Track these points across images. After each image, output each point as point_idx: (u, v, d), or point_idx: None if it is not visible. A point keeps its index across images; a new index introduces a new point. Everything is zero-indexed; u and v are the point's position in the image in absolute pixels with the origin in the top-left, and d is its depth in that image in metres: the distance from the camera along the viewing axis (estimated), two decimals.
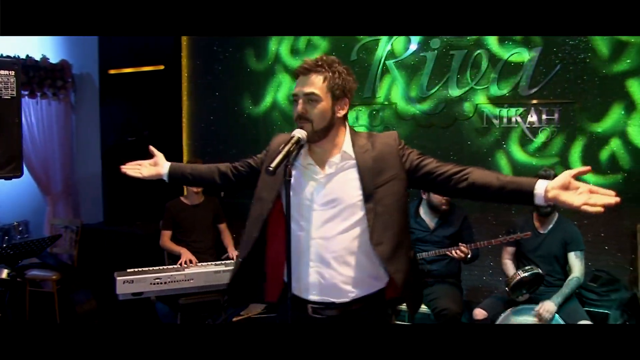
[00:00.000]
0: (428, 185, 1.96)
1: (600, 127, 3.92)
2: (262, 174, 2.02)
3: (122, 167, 2.27)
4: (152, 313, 4.41)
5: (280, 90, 4.90)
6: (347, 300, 1.90)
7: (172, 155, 4.94)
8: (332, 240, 1.88)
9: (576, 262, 3.36)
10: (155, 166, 2.26)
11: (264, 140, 4.76)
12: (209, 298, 3.95)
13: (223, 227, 4.20)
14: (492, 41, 4.16)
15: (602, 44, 3.88)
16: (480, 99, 4.25)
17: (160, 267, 3.62)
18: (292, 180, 1.88)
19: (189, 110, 5.19)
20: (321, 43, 4.71)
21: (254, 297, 2.24)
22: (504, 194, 1.81)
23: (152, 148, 2.32)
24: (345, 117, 1.96)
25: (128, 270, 3.41)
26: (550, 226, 3.46)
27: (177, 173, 2.26)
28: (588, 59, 3.93)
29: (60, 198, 5.51)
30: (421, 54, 4.37)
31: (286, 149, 1.73)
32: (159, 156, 2.29)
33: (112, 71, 5.38)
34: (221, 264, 3.66)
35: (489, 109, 4.22)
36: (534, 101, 4.08)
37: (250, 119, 5.02)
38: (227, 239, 4.17)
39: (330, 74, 1.87)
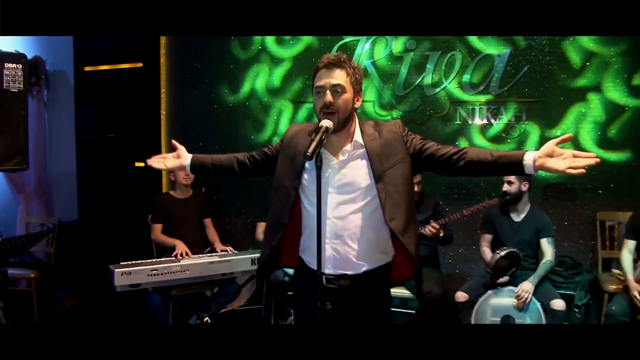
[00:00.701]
0: (431, 166, 2.15)
1: (560, 129, 4.26)
2: (281, 163, 2.18)
3: (148, 160, 2.37)
4: (136, 307, 4.47)
5: (258, 79, 4.99)
6: (358, 272, 2.08)
7: (151, 152, 5.02)
8: (345, 220, 2.05)
9: (548, 248, 3.66)
10: (178, 158, 2.37)
11: (243, 135, 4.90)
12: (200, 289, 4.05)
13: (208, 221, 4.29)
14: (465, 43, 4.43)
15: (570, 49, 4.22)
16: (454, 97, 4.51)
17: (154, 260, 3.69)
18: (309, 166, 2.05)
19: (167, 107, 5.22)
20: (305, 37, 4.85)
21: (269, 272, 2.40)
22: (498, 167, 2.02)
23: (174, 142, 2.44)
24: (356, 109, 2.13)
25: (121, 263, 3.46)
26: (523, 215, 3.75)
27: (199, 164, 2.39)
28: (553, 62, 4.26)
29: (33, 196, 5.44)
30: (398, 55, 4.60)
31: (318, 137, 1.89)
32: (181, 149, 2.41)
33: (87, 68, 5.36)
34: (215, 255, 3.76)
35: (462, 106, 4.49)
36: (504, 99, 4.38)
37: (229, 112, 5.09)
38: (213, 234, 4.26)
39: (351, 69, 2.05)
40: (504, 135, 4.39)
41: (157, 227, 4.05)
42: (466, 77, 4.46)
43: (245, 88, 5.03)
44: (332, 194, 2.05)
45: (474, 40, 4.42)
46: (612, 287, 3.76)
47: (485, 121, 4.44)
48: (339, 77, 2.01)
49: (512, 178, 3.68)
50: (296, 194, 2.11)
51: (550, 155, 1.88)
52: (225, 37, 5.04)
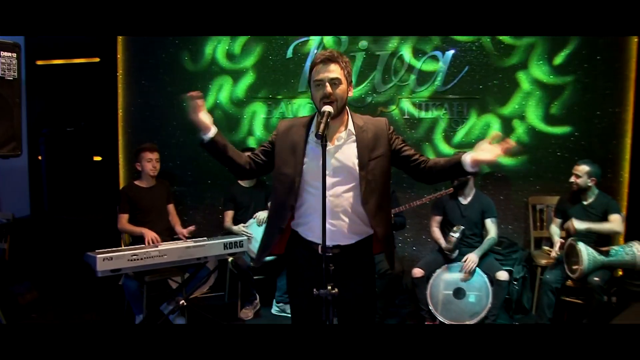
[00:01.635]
0: (403, 166, 2.46)
1: (505, 110, 4.79)
2: (280, 154, 2.41)
3: (192, 93, 2.34)
4: (98, 298, 4.55)
5: (222, 92, 5.15)
6: (349, 243, 2.37)
7: (108, 146, 5.07)
8: (340, 198, 2.33)
9: (491, 226, 4.12)
10: (208, 118, 2.38)
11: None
12: (172, 275, 4.20)
13: (171, 207, 4.42)
14: (412, 44, 4.84)
15: (494, 43, 4.73)
16: (403, 95, 4.91)
17: (130, 247, 3.80)
18: (309, 151, 2.32)
19: (124, 102, 5.27)
20: (256, 48, 5.06)
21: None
22: (446, 171, 2.34)
23: (196, 95, 2.39)
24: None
25: (98, 250, 3.56)
26: (470, 198, 4.19)
27: (221, 140, 2.40)
28: (489, 59, 4.76)
29: None
30: (350, 54, 4.93)
31: (324, 120, 2.15)
32: (208, 115, 2.40)
33: (40, 62, 5.32)
34: (191, 240, 3.92)
35: (409, 104, 4.90)
36: (447, 95, 4.84)
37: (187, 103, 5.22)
38: (175, 219, 4.39)
39: (344, 64, 2.33)
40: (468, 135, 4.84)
41: (124, 217, 4.14)
42: (413, 76, 4.87)
43: (210, 100, 5.14)
44: (328, 175, 2.32)
45: (420, 42, 4.84)
46: (544, 261, 4.28)
47: (440, 121, 4.87)
48: (335, 70, 2.29)
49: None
50: (300, 179, 2.34)
51: (482, 150, 2.22)
52: (178, 47, 5.17)
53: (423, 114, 4.89)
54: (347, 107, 2.40)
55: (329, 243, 2.29)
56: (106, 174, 5.25)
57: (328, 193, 2.29)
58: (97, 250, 3.54)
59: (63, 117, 5.14)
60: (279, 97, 5.07)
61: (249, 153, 2.52)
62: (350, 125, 2.38)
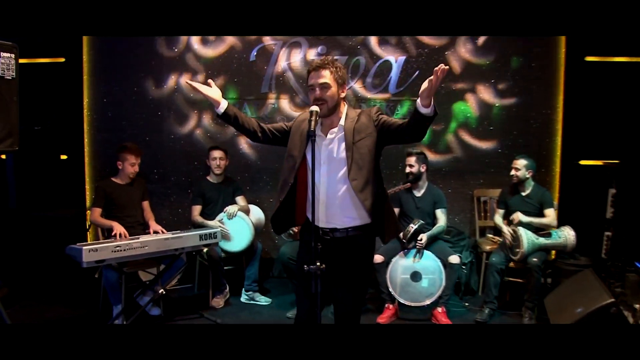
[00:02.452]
0: (389, 134, 2.67)
1: (444, 121, 5.25)
2: (293, 139, 2.73)
3: (188, 81, 2.72)
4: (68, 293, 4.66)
5: (183, 76, 5.40)
6: (346, 226, 2.65)
7: (74, 145, 5.18)
8: (333, 185, 2.64)
9: (441, 216, 4.56)
10: (216, 94, 2.71)
11: (168, 123, 5.22)
12: (149, 267, 4.39)
13: (146, 204, 4.61)
14: (368, 50, 5.24)
15: (451, 58, 5.20)
16: (359, 95, 5.30)
17: (112, 240, 3.97)
18: (310, 142, 2.61)
19: (90, 101, 5.40)
20: (227, 37, 5.33)
21: (285, 227, 2.87)
22: (414, 121, 2.48)
23: (210, 81, 2.75)
24: (345, 97, 2.73)
25: (80, 243, 3.72)
26: (423, 191, 4.60)
27: (232, 111, 2.74)
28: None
29: None
30: (311, 58, 5.28)
31: (313, 118, 2.47)
32: (218, 90, 2.73)
33: None
34: (169, 233, 4.13)
35: (365, 103, 5.29)
36: (399, 98, 5.26)
37: (153, 103, 5.44)
38: (149, 215, 4.58)
39: (334, 69, 2.66)
40: None
41: (97, 211, 4.30)
42: (368, 79, 5.27)
43: (170, 83, 5.39)
44: (323, 164, 2.65)
45: (375, 47, 5.24)
46: (488, 247, 4.76)
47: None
48: (325, 76, 2.61)
49: (412, 162, 4.51)
50: (301, 160, 2.66)
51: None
52: (144, 47, 5.37)
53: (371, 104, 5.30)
54: (345, 104, 2.73)
55: (326, 225, 2.62)
56: (72, 172, 5.36)
57: (323, 181, 2.63)
58: (80, 243, 3.71)
59: (30, 116, 5.19)
60: (249, 97, 5.36)
61: (264, 124, 2.83)
62: (343, 121, 2.70)
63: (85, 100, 5.39)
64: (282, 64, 5.32)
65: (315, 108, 2.55)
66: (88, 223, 4.95)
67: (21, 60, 5.17)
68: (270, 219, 2.78)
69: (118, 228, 4.14)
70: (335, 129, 2.69)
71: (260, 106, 5.37)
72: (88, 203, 5.43)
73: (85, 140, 5.40)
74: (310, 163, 2.54)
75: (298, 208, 2.74)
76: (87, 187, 5.46)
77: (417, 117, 2.44)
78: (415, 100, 2.44)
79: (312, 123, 2.45)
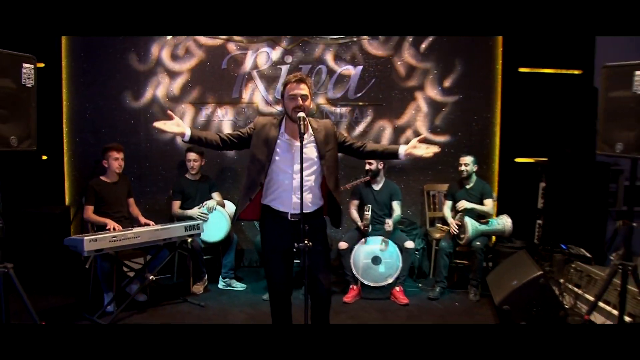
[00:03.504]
0: (349, 152, 3.36)
1: (399, 122, 5.88)
2: (256, 144, 3.18)
3: (155, 123, 3.07)
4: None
5: (159, 88, 5.82)
6: (309, 211, 3.20)
7: (54, 145, 5.49)
8: (306, 179, 3.17)
9: (397, 207, 5.17)
10: (179, 126, 3.12)
11: (145, 130, 5.61)
12: (137, 257, 4.79)
13: (131, 201, 5.00)
14: (329, 58, 5.79)
15: (400, 66, 5.83)
16: (321, 100, 5.85)
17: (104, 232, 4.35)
18: (280, 144, 3.14)
19: (69, 105, 5.72)
20: (197, 52, 5.78)
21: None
22: (385, 155, 3.32)
23: (170, 112, 3.19)
24: None
25: (79, 235, 4.11)
26: (381, 185, 5.20)
27: (195, 136, 3.17)
28: (391, 74, 5.84)
29: None
30: (277, 67, 5.79)
31: (303, 123, 2.97)
32: (179, 120, 3.15)
33: None
34: (158, 225, 4.56)
35: (327, 107, 5.85)
36: (358, 103, 5.85)
37: (130, 112, 5.82)
38: (136, 210, 4.98)
39: (309, 83, 3.19)
40: (366, 131, 5.86)
41: (90, 208, 4.66)
42: (330, 85, 5.83)
43: (147, 95, 5.80)
44: (296, 164, 3.15)
45: (341, 55, 5.81)
46: (437, 235, 5.40)
47: (344, 119, 5.86)
48: (304, 89, 3.14)
49: (371, 160, 5.09)
50: (269, 163, 3.14)
51: (414, 147, 3.20)
52: (124, 48, 5.76)
53: (338, 116, 5.87)
54: None
55: (297, 211, 3.14)
56: (52, 171, 5.67)
57: (296, 177, 3.13)
58: (79, 235, 4.09)
59: None
60: (217, 102, 5.82)
61: (223, 134, 3.26)
62: (310, 129, 3.24)
63: (64, 104, 5.71)
64: (252, 71, 5.81)
65: (302, 114, 3.08)
66: (72, 218, 5.28)
67: None
68: (240, 214, 3.24)
69: (111, 224, 4.52)
70: (306, 136, 3.17)
71: (227, 110, 5.84)
72: (67, 201, 5.75)
73: (65, 141, 5.72)
74: (282, 162, 3.12)
75: (255, 200, 3.22)
76: (67, 185, 5.78)
77: (391, 157, 3.31)
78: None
79: (302, 127, 2.97)
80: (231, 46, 5.80)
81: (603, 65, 3.42)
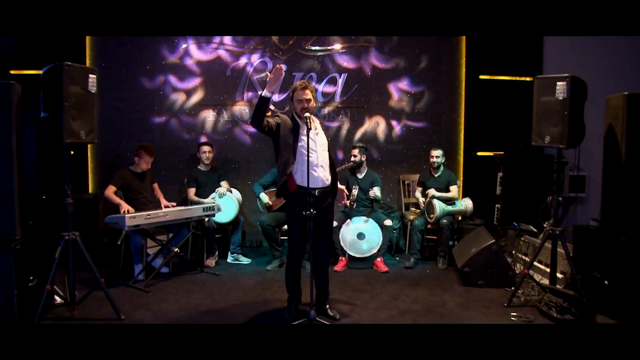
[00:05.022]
0: None
1: (368, 125, 6.88)
2: (283, 131, 4.06)
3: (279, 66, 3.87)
4: None
5: (178, 108, 6.74)
6: (325, 186, 4.17)
7: (79, 146, 6.33)
8: (322, 158, 4.13)
9: (378, 192, 6.14)
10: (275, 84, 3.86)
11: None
12: (161, 234, 5.67)
13: (155, 185, 5.89)
14: (322, 65, 6.76)
15: (381, 81, 6.83)
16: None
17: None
18: (301, 133, 4.05)
19: None
20: (204, 68, 6.69)
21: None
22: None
23: (281, 66, 3.89)
24: None
25: (119, 214, 5.00)
26: (364, 174, 6.17)
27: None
28: (372, 81, 6.83)
29: None
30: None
31: (309, 121, 3.92)
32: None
33: (13, 71, 6.38)
34: (181, 206, 5.48)
35: (315, 108, 6.81)
36: (343, 105, 6.83)
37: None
38: (159, 194, 5.88)
39: (311, 89, 4.15)
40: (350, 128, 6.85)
41: (112, 188, 5.46)
42: (320, 90, 6.79)
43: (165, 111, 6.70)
44: (317, 144, 4.10)
45: (327, 65, 6.77)
46: (411, 217, 6.40)
47: (329, 120, 6.84)
48: (309, 94, 4.09)
49: (356, 152, 6.06)
50: (296, 145, 4.07)
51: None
52: (135, 73, 6.64)
53: (325, 117, 6.84)
54: None
55: (314, 185, 4.06)
56: (78, 164, 6.51)
57: (317, 154, 4.08)
58: (119, 214, 4.97)
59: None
60: (226, 103, 6.73)
61: (269, 120, 4.07)
62: (317, 123, 4.20)
63: None
64: (252, 78, 6.74)
65: (307, 114, 4.02)
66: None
67: (28, 72, 6.35)
68: (279, 187, 4.17)
69: (124, 206, 5.32)
70: (318, 126, 4.16)
71: (232, 110, 6.76)
72: (91, 189, 6.60)
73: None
74: (304, 146, 4.04)
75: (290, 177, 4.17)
76: (90, 176, 6.63)
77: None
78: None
79: (309, 123, 3.92)
80: (238, 56, 6.73)
81: (535, 77, 4.46)
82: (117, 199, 5.45)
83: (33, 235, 4.21)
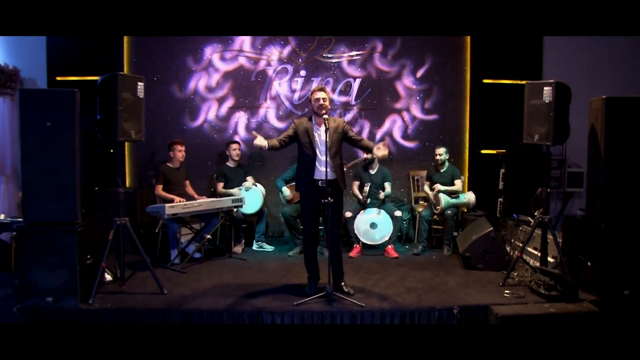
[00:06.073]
0: (349, 142, 4.91)
1: (385, 125, 7.50)
2: (301, 135, 4.71)
3: (255, 140, 4.56)
4: None
5: (210, 112, 7.42)
6: (333, 178, 4.77)
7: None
8: (333, 155, 4.73)
9: (388, 186, 6.75)
10: (262, 142, 4.57)
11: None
12: (194, 222, 6.35)
13: (187, 182, 6.58)
14: (339, 70, 7.38)
15: (386, 84, 7.45)
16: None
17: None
18: (315, 134, 4.69)
19: None
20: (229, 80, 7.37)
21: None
22: (369, 149, 4.87)
23: (254, 133, 4.70)
24: None
25: (158, 204, 5.67)
26: (375, 170, 6.78)
27: (270, 145, 4.66)
28: (385, 88, 7.44)
29: (10, 179, 6.94)
30: (295, 79, 7.37)
31: (325, 121, 4.56)
32: (261, 137, 4.61)
33: (59, 77, 7.09)
34: (212, 198, 6.16)
35: (333, 109, 7.43)
36: (357, 106, 7.45)
37: (188, 131, 7.43)
38: (191, 189, 6.56)
39: (326, 91, 4.78)
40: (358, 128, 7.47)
41: (160, 187, 6.18)
42: (337, 92, 7.42)
43: (202, 117, 7.40)
44: (328, 143, 4.68)
45: (343, 68, 7.40)
46: (420, 209, 6.99)
47: (347, 118, 7.47)
48: (326, 95, 4.72)
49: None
50: (314, 145, 4.69)
51: (379, 148, 4.73)
52: (179, 52, 7.33)
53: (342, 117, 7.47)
54: None
55: (325, 178, 4.68)
56: (117, 161, 7.18)
57: (328, 152, 4.67)
58: (158, 204, 5.64)
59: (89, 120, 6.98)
60: (250, 107, 7.40)
61: (279, 139, 4.76)
62: (332, 122, 4.81)
63: None
64: (273, 83, 7.40)
65: (326, 116, 4.65)
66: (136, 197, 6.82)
67: (72, 78, 7.04)
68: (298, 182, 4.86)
69: (177, 199, 6.02)
70: (331, 129, 4.76)
71: (253, 113, 7.42)
72: (128, 184, 7.30)
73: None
74: (319, 145, 4.67)
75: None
76: (127, 171, 7.33)
77: (366, 150, 5.04)
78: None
79: (327, 122, 4.55)
80: (261, 63, 7.39)
81: (526, 82, 5.05)
82: (169, 195, 6.12)
83: (89, 220, 4.88)
